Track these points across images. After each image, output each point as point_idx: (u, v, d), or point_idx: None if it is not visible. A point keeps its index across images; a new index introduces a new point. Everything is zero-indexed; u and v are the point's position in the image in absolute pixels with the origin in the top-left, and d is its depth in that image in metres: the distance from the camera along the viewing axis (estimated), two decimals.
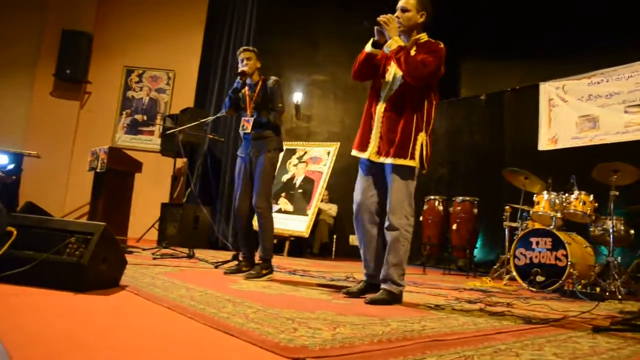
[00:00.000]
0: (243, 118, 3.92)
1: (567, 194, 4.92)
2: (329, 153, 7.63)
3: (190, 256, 4.73)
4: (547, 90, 7.02)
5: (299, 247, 7.67)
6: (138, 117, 8.57)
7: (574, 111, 6.67)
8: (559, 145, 6.79)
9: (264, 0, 7.98)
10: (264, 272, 3.70)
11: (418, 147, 2.87)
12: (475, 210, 6.24)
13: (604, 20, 6.56)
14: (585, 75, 6.63)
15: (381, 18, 2.95)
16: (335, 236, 8.42)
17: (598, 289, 4.00)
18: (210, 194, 7.63)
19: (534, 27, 7.41)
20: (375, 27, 2.98)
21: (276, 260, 4.13)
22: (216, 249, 7.09)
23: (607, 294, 4.07)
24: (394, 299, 2.86)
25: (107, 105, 8.53)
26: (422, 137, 2.89)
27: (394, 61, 2.93)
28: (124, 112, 8.57)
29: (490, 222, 6.62)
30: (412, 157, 2.86)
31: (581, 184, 5.03)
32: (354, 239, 8.85)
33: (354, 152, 3.12)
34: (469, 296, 3.56)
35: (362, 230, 3.07)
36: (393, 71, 3.03)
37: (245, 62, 3.91)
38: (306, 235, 7.28)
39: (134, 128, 8.52)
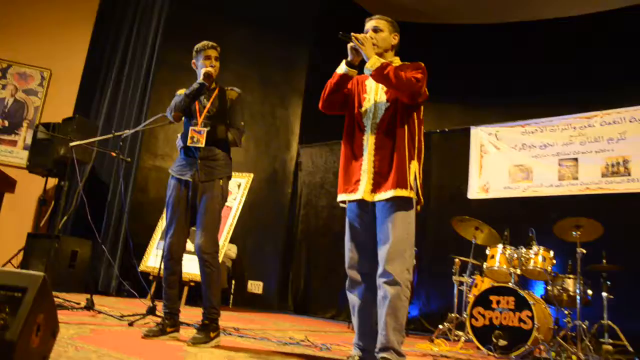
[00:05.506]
0: (191, 128, 3.28)
1: (525, 249, 4.83)
2: (239, 185, 7.02)
3: (89, 307, 3.86)
4: (479, 135, 7.11)
5: (197, 293, 6.87)
6: None
7: (507, 160, 6.80)
8: (491, 195, 6.86)
9: (174, 6, 7.32)
10: (212, 335, 3.04)
11: (412, 177, 2.62)
12: (414, 261, 5.99)
13: (542, 70, 6.87)
14: (519, 124, 6.81)
15: (357, 35, 2.69)
16: (233, 281, 7.76)
17: (575, 358, 3.87)
18: (89, 225, 6.59)
19: (468, 70, 7.58)
20: (350, 45, 2.71)
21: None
22: (96, 294, 6.09)
23: None
24: None
25: None
26: (414, 166, 2.65)
27: (380, 80, 2.67)
28: None
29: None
30: (410, 188, 2.59)
31: (517, 237, 5.05)
32: (252, 286, 8.24)
33: (343, 197, 2.76)
34: None
35: (362, 297, 2.72)
36: (373, 97, 2.80)
37: (213, 62, 3.32)
38: None
39: None
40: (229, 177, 3.38)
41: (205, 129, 3.26)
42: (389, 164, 2.63)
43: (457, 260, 5.35)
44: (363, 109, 2.80)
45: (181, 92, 3.37)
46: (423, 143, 2.78)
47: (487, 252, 5.07)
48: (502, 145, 6.92)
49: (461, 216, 5.42)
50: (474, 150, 7.13)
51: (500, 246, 4.96)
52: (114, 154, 4.74)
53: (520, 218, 5.89)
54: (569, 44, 7.33)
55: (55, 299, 4.04)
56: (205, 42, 3.39)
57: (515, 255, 4.83)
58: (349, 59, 2.74)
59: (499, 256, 4.92)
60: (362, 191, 2.66)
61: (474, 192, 7.01)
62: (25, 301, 1.63)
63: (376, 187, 2.64)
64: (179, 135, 3.49)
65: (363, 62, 2.70)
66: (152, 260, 6.38)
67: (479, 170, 7.04)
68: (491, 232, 5.31)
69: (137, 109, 6.98)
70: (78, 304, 4.09)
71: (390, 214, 2.57)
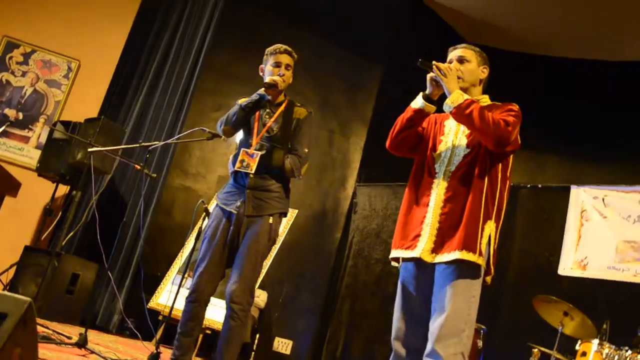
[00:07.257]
0: (243, 149, 3.30)
1: (632, 352, 4.59)
2: None
3: (81, 345, 3.89)
4: (581, 197, 6.91)
5: (212, 342, 6.85)
6: (9, 112, 7.58)
7: (616, 233, 6.55)
8: (589, 273, 6.60)
9: (229, 7, 7.58)
10: None
11: (485, 241, 2.60)
12: (480, 343, 5.80)
13: None
14: (636, 189, 6.57)
15: (440, 65, 2.71)
16: (257, 335, 7.72)
17: None
18: (97, 245, 6.72)
19: (574, 114, 7.46)
20: (429, 75, 2.74)
21: None
22: (93, 329, 6.16)
23: None
24: None
25: None
26: (490, 228, 2.65)
27: (461, 119, 2.68)
28: None
29: None
30: (480, 254, 2.55)
31: (619, 333, 4.81)
32: (280, 344, 8.18)
33: (397, 253, 2.78)
34: None
35: None
36: (451, 140, 2.82)
37: (282, 70, 3.34)
38: None
39: None
40: (283, 215, 3.36)
41: (259, 152, 3.24)
42: (458, 219, 2.62)
43: (535, 350, 5.14)
44: (437, 152, 2.81)
45: (242, 101, 3.36)
46: (505, 201, 2.76)
47: (578, 346, 4.87)
48: (610, 213, 6.68)
49: (547, 295, 5.24)
50: (572, 214, 6.91)
51: (595, 342, 4.73)
52: (138, 167, 4.85)
53: (627, 310, 5.63)
54: None
55: (42, 330, 4.14)
56: (277, 45, 3.41)
57: (616, 358, 4.60)
58: (427, 91, 2.76)
59: (592, 355, 4.69)
60: (421, 249, 2.65)
61: (567, 267, 6.76)
62: (1, 330, 1.64)
63: (438, 245, 2.63)
64: (231, 156, 3.49)
65: (443, 97, 2.69)
66: (165, 297, 6.42)
67: (577, 241, 6.81)
68: (585, 322, 5.08)
69: (173, 118, 7.15)
70: (69, 338, 4.14)
71: (451, 281, 2.55)
